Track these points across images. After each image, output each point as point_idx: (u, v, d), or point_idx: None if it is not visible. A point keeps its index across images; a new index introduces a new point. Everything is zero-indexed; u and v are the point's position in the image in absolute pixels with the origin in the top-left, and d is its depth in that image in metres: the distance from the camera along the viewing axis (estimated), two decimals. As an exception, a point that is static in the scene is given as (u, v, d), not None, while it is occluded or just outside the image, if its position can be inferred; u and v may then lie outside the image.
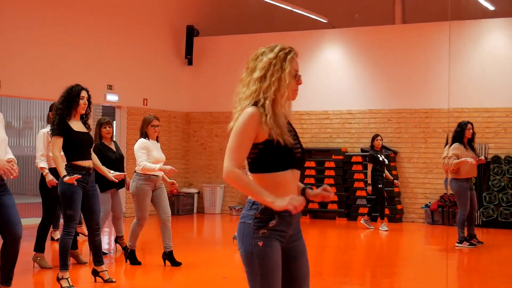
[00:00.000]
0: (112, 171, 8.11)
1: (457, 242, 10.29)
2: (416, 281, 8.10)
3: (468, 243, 10.27)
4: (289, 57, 3.40)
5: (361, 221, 12.94)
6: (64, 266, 6.80)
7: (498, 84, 13.57)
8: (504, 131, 13.49)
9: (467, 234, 10.35)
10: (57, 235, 10.30)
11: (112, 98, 14.32)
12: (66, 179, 6.57)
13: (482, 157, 10.71)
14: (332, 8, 15.96)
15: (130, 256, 8.39)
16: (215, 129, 16.26)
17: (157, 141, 8.37)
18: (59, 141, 6.66)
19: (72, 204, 6.66)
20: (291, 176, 3.30)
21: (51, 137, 6.85)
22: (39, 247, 8.15)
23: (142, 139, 8.23)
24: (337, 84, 15.01)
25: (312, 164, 14.65)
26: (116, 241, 9.62)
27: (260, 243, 3.22)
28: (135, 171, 8.25)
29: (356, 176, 14.37)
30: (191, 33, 16.23)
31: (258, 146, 3.27)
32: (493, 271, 8.74)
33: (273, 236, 3.25)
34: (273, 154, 3.25)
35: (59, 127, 6.68)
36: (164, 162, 8.31)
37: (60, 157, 6.69)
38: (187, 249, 9.93)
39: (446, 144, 10.45)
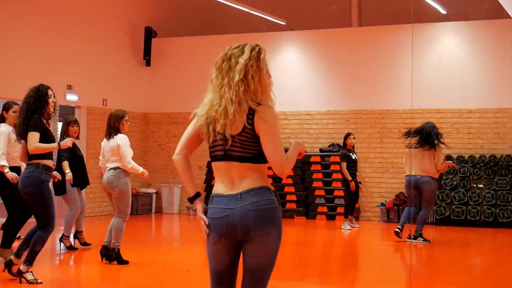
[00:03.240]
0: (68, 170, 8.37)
1: (413, 238, 10.59)
2: (374, 273, 8.37)
3: (422, 239, 10.59)
4: (261, 56, 3.57)
5: (345, 224, 12.69)
6: (31, 261, 6.85)
7: (450, 86, 14.00)
8: (457, 131, 13.93)
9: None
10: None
11: (71, 97, 14.29)
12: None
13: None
14: (290, 11, 16.23)
15: (118, 256, 8.30)
16: (173, 130, 16.34)
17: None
18: (37, 136, 6.75)
19: (51, 203, 6.81)
20: None
21: (24, 133, 6.85)
22: (7, 243, 8.19)
23: (125, 136, 8.21)
24: (295, 86, 15.25)
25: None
26: (75, 236, 9.64)
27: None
28: (116, 168, 8.14)
29: (314, 176, 14.62)
30: (149, 34, 16.29)
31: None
32: (445, 264, 9.06)
33: None
34: None
35: (38, 124, 6.78)
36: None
37: (41, 145, 6.78)
38: (147, 247, 10.01)
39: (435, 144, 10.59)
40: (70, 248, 9.46)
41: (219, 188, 3.50)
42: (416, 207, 10.75)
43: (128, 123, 8.39)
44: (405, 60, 14.35)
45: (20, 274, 6.84)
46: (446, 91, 14.04)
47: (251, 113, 3.42)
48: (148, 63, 16.48)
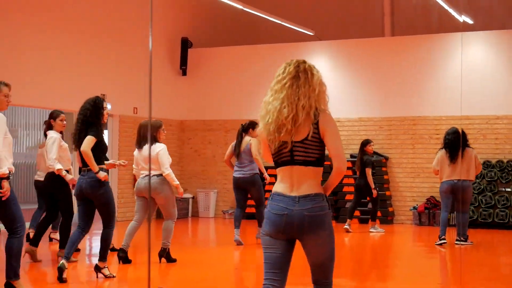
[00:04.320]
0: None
1: (463, 240, 11.00)
2: (411, 275, 8.89)
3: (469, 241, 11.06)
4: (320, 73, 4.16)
5: (371, 229, 13.13)
6: (105, 257, 7.53)
7: (476, 93, 14.46)
8: (483, 137, 14.41)
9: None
10: (57, 236, 10.73)
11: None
12: (104, 176, 7.35)
13: None
14: (319, 21, 16.83)
15: (168, 255, 8.84)
16: (208, 136, 16.94)
17: None
18: (94, 140, 7.30)
19: (114, 203, 7.49)
20: None
21: (80, 143, 7.40)
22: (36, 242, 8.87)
23: (164, 144, 8.75)
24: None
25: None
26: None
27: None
28: (158, 175, 8.64)
29: (345, 181, 15.08)
30: (185, 45, 16.94)
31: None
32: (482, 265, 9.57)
33: None
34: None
35: (99, 131, 7.37)
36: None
37: (91, 155, 7.31)
38: (191, 247, 10.56)
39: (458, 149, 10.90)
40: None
41: (279, 187, 3.97)
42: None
43: (165, 131, 8.90)
44: (436, 68, 14.90)
45: (98, 270, 7.49)
46: (471, 98, 14.44)
47: (315, 121, 3.92)
48: (184, 73, 17.11)
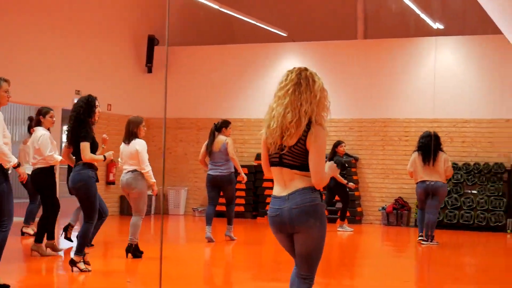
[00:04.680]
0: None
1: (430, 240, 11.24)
2: (381, 273, 9.07)
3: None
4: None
5: (338, 228, 13.31)
6: (82, 251, 7.58)
7: (445, 97, 14.73)
8: (451, 140, 14.67)
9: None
10: (29, 230, 10.86)
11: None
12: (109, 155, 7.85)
13: None
14: (293, 23, 16.98)
15: (136, 250, 8.93)
16: (180, 134, 16.96)
17: None
18: (89, 146, 7.52)
19: (97, 198, 7.68)
20: None
21: (74, 140, 7.60)
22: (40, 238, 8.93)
23: (143, 141, 8.84)
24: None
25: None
26: (66, 229, 9.92)
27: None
28: (133, 170, 8.76)
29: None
30: (152, 42, 16.88)
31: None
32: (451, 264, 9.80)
33: None
34: None
35: (89, 135, 7.54)
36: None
37: (95, 156, 7.60)
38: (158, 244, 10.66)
39: (430, 152, 11.22)
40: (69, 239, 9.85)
41: (275, 190, 4.26)
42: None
43: (145, 128, 9.02)
44: (407, 72, 15.18)
45: (73, 264, 7.54)
46: (441, 101, 14.74)
47: (306, 130, 4.10)
48: (149, 70, 17.08)
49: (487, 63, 14.70)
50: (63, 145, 8.15)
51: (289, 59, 16.14)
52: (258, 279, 8.17)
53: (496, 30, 10.70)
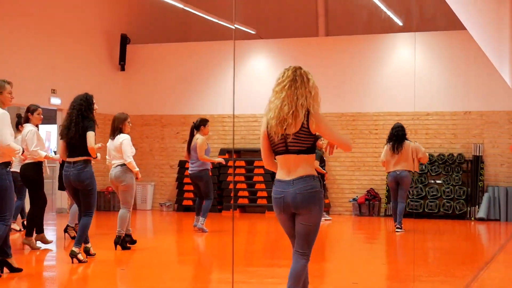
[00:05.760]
0: None
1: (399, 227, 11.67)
2: (348, 262, 9.53)
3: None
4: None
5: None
6: (80, 242, 7.90)
7: (408, 91, 15.24)
8: (415, 132, 15.22)
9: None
10: (16, 226, 11.04)
11: (55, 101, 15.01)
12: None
13: None
14: (261, 20, 17.34)
15: (123, 242, 9.20)
16: (146, 131, 17.21)
17: None
18: (94, 135, 7.92)
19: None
20: None
21: (70, 134, 7.93)
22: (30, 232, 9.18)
23: (128, 135, 9.20)
24: (264, 91, 16.14)
25: (242, 163, 15.92)
26: (66, 230, 10.24)
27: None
28: (122, 164, 9.07)
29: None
30: (124, 41, 17.14)
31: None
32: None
33: None
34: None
35: (94, 126, 7.93)
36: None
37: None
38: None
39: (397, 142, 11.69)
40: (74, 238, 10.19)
41: (279, 174, 4.71)
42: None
43: (130, 124, 9.37)
44: (371, 67, 15.73)
45: (73, 255, 7.82)
46: (404, 96, 15.27)
47: (306, 117, 4.60)
48: (122, 68, 17.32)
49: (449, 59, 15.32)
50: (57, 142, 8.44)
51: (255, 56, 16.53)
52: (249, 265, 8.52)
53: (457, 26, 11.26)
